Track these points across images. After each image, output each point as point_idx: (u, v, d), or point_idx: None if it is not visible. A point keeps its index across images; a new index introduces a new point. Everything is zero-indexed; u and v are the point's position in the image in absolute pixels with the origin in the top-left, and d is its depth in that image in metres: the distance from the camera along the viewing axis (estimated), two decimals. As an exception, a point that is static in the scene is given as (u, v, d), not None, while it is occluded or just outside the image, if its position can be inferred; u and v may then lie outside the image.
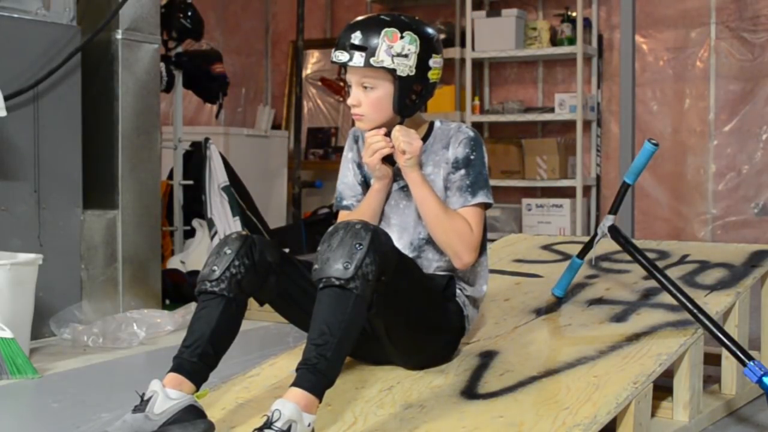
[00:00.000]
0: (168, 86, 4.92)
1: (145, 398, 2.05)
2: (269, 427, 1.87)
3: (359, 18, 2.31)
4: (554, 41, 6.24)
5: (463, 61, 6.46)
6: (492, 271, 2.96)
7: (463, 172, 2.32)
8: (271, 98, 7.61)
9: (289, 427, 1.88)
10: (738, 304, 2.60)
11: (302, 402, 1.93)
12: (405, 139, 2.27)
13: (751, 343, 2.66)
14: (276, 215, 6.44)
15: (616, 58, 6.07)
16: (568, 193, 6.20)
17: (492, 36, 6.23)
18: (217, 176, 4.88)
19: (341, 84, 7.22)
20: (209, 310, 2.18)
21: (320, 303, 2.03)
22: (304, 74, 6.82)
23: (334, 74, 7.28)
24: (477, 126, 6.28)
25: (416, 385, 2.27)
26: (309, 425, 1.93)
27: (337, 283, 2.00)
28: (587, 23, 6.18)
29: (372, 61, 2.22)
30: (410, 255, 2.34)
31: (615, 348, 2.36)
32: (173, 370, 2.13)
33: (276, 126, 6.83)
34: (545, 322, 2.64)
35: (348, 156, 2.48)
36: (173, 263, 4.74)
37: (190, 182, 4.93)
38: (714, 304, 2.54)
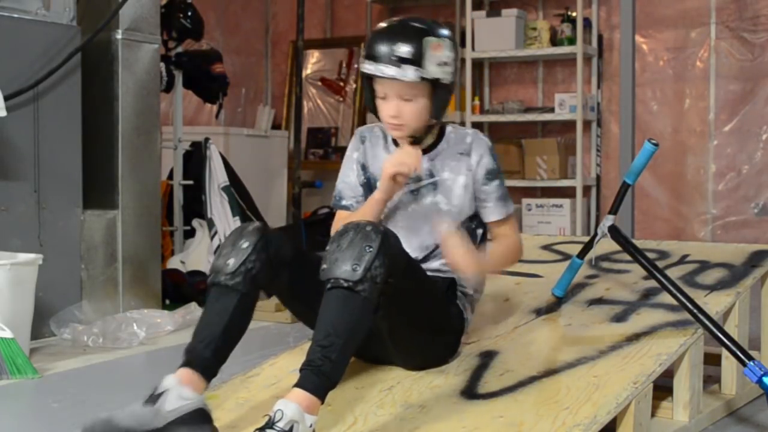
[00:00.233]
0: (168, 86, 4.92)
1: (157, 392, 2.03)
2: (271, 427, 1.87)
3: (391, 25, 2.25)
4: (554, 41, 6.24)
5: (463, 61, 6.45)
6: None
7: (497, 182, 2.36)
8: (271, 98, 7.61)
9: (291, 428, 1.88)
10: (738, 304, 2.60)
11: (304, 403, 1.92)
12: (461, 255, 2.18)
13: (751, 343, 2.66)
14: (276, 215, 6.44)
15: (616, 58, 6.07)
16: (568, 193, 6.19)
17: (492, 36, 6.22)
18: (217, 176, 4.88)
19: (341, 84, 7.22)
20: (223, 304, 2.16)
21: (327, 304, 2.02)
22: (304, 74, 6.80)
23: (334, 74, 7.27)
24: (477, 126, 6.28)
25: (416, 385, 2.27)
26: (310, 426, 1.93)
27: (345, 284, 2.00)
28: (587, 23, 6.17)
29: (423, 74, 2.20)
30: (416, 257, 2.34)
31: (615, 348, 2.36)
32: (186, 365, 2.10)
33: (276, 126, 6.83)
34: (545, 322, 2.64)
35: (353, 156, 2.44)
36: (173, 263, 4.74)
37: (190, 182, 4.93)
38: (714, 304, 2.54)
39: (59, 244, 3.80)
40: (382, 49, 2.20)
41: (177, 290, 4.54)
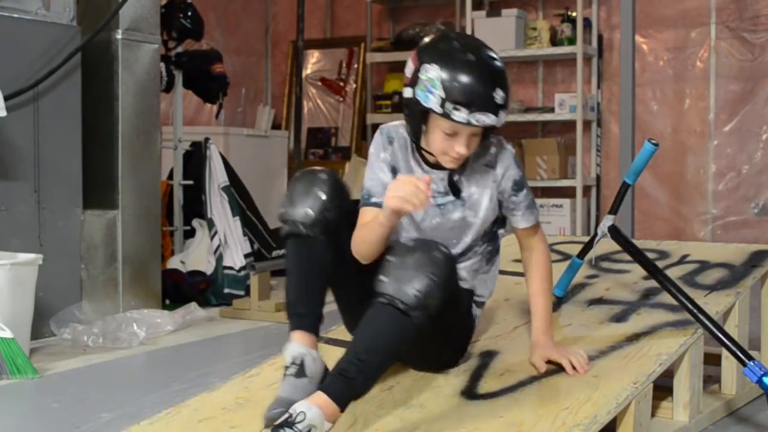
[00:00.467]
0: (168, 86, 4.92)
1: (296, 362, 2.09)
2: (291, 427, 1.87)
3: (478, 67, 2.06)
4: (554, 41, 6.24)
5: (463, 61, 6.44)
6: (492, 271, 2.96)
7: (524, 192, 2.30)
8: (271, 98, 7.61)
9: (309, 431, 1.88)
10: (738, 304, 2.60)
11: (327, 410, 1.92)
12: (558, 349, 2.29)
13: (751, 343, 2.66)
14: (276, 215, 6.43)
15: (616, 58, 6.07)
16: (568, 193, 6.19)
17: (492, 36, 6.21)
18: (217, 176, 4.88)
19: (341, 84, 7.22)
20: (308, 254, 2.17)
21: (376, 318, 2.00)
22: (304, 74, 6.80)
23: (334, 74, 7.28)
24: (477, 126, 6.27)
25: (416, 385, 2.27)
26: None
27: (401, 307, 1.96)
28: (587, 23, 6.17)
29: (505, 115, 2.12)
30: None
31: (615, 348, 2.36)
32: (298, 327, 2.15)
33: (276, 126, 6.83)
34: (545, 322, 2.63)
35: (380, 156, 2.27)
36: (173, 263, 4.74)
37: (190, 182, 4.93)
38: (714, 304, 2.54)
39: (59, 244, 3.80)
40: (478, 97, 2.04)
41: (177, 290, 4.54)
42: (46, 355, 3.43)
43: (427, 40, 2.19)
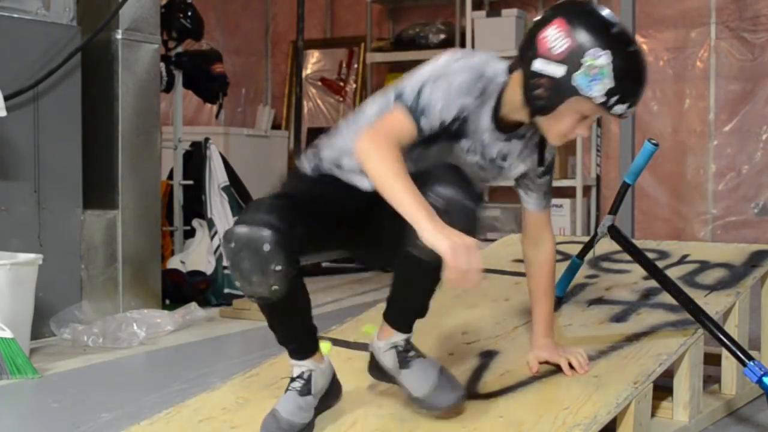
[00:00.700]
0: (168, 86, 4.92)
1: (303, 377, 2.10)
2: (409, 352, 2.10)
3: (644, 58, 2.00)
4: (554, 41, 6.24)
5: (463, 61, 6.44)
6: (492, 271, 2.98)
7: (549, 177, 2.29)
8: (271, 98, 7.61)
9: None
10: (738, 304, 2.60)
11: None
12: (559, 351, 2.30)
13: (751, 343, 2.66)
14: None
15: (616, 58, 6.07)
16: (568, 193, 6.19)
17: (492, 36, 6.22)
18: (217, 176, 4.88)
19: (341, 84, 7.22)
20: (282, 309, 2.02)
21: (417, 271, 1.99)
22: (304, 74, 6.80)
23: (334, 74, 7.28)
24: (477, 126, 6.27)
25: (416, 385, 2.27)
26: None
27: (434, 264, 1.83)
28: (587, 23, 6.17)
29: None
30: None
31: (615, 348, 2.36)
32: (298, 353, 2.12)
33: (276, 126, 6.83)
34: (545, 322, 2.63)
35: (462, 96, 1.99)
36: (173, 263, 4.74)
37: (190, 182, 4.93)
38: (714, 304, 2.54)
39: (59, 244, 3.80)
40: (635, 93, 1.97)
41: (177, 290, 4.54)
42: (46, 355, 3.43)
43: (573, 8, 1.97)
